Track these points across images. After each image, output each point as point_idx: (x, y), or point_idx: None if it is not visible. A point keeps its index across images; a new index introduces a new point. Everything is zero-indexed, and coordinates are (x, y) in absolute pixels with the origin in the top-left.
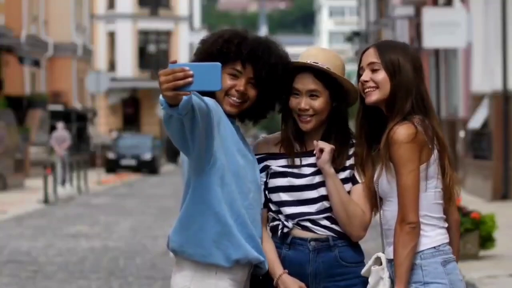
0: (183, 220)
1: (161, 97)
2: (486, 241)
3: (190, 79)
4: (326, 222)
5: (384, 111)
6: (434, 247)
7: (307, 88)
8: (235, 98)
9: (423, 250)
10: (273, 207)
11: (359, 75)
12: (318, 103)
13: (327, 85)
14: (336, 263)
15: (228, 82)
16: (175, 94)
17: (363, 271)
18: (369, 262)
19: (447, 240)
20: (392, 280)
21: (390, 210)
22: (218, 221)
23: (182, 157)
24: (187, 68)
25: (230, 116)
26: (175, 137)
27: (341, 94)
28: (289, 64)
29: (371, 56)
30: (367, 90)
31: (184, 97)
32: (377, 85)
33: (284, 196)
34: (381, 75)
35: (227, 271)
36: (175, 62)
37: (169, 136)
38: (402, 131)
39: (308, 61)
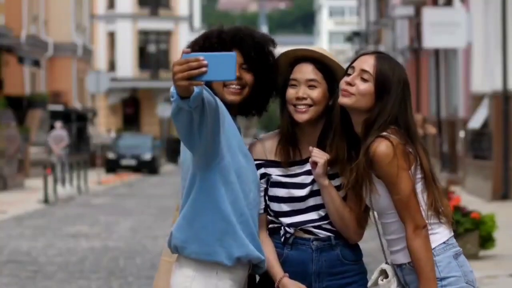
0: (187, 216)
1: (172, 88)
2: (486, 241)
3: (204, 68)
4: (328, 226)
5: (354, 124)
6: (444, 242)
7: (306, 77)
8: (233, 86)
9: (434, 247)
10: (273, 214)
11: (347, 72)
12: (316, 93)
13: (325, 77)
14: (338, 261)
15: None
16: (189, 84)
17: (369, 284)
18: (374, 274)
19: (453, 233)
20: (403, 287)
21: (392, 221)
22: (223, 219)
23: (183, 156)
24: (201, 57)
25: (232, 114)
26: (182, 131)
27: (337, 90)
28: (274, 44)
29: (368, 65)
30: (345, 91)
31: (196, 90)
32: (356, 93)
33: (285, 207)
34: (365, 87)
35: (228, 270)
36: (188, 52)
37: (176, 129)
38: (382, 149)
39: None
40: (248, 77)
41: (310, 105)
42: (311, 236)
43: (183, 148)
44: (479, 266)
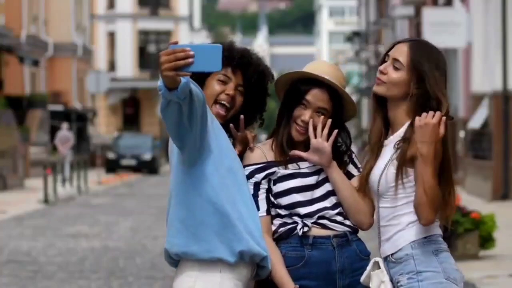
0: (179, 219)
1: (159, 82)
2: (486, 241)
3: (190, 59)
4: (340, 218)
5: (389, 110)
6: (425, 237)
7: (319, 104)
8: (224, 102)
9: (414, 240)
10: (283, 211)
11: (383, 60)
12: (321, 121)
13: (334, 105)
14: (356, 257)
15: (217, 87)
16: (175, 75)
17: (362, 279)
18: (367, 268)
19: (439, 232)
20: (392, 282)
21: (387, 206)
22: (217, 211)
23: (171, 160)
24: (188, 48)
25: None
26: (172, 125)
27: (340, 113)
28: (273, 79)
29: (402, 54)
30: (378, 80)
31: (183, 80)
32: (387, 81)
33: (297, 197)
34: (397, 75)
35: (231, 269)
36: (176, 43)
37: (165, 125)
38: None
39: (326, 77)
40: (239, 100)
41: None
42: (330, 233)
43: (171, 153)
44: (479, 266)
